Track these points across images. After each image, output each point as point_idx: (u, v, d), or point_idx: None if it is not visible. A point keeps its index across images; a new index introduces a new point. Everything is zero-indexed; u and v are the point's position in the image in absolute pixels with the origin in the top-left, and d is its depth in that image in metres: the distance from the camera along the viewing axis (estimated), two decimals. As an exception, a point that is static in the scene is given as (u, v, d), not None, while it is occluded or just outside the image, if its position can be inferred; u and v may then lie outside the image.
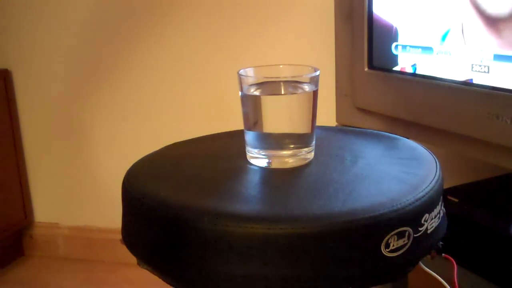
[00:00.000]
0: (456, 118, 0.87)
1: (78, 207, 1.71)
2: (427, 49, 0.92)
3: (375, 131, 0.79)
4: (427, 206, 0.58)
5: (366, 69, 1.04)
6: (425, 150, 0.71)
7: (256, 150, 0.66)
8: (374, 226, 0.53)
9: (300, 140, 0.65)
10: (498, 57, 0.81)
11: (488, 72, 0.83)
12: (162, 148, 0.75)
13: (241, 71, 0.65)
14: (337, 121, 1.14)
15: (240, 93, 0.65)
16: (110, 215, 1.63)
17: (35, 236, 1.76)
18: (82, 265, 1.68)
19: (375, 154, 0.70)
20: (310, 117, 0.65)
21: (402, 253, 0.55)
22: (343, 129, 0.86)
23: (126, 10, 1.52)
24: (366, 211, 0.54)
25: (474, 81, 0.85)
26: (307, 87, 0.65)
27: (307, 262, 0.52)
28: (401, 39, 0.97)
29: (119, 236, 0.65)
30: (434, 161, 0.67)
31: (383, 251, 0.54)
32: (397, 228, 0.54)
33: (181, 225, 0.55)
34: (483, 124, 0.82)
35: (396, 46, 0.98)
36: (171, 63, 1.52)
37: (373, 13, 1.01)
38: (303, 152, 0.66)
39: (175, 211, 0.56)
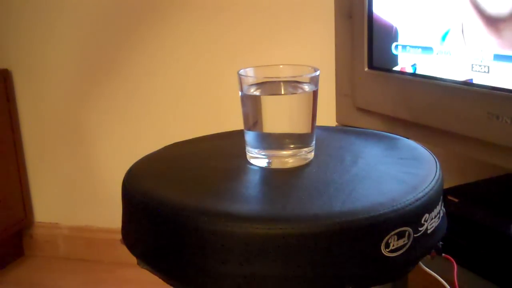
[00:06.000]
0: (456, 118, 0.87)
1: (78, 207, 1.71)
2: (427, 49, 0.92)
3: (375, 131, 0.79)
4: (427, 206, 0.58)
5: (366, 69, 1.04)
6: (425, 150, 0.71)
7: (256, 150, 0.66)
8: (374, 226, 0.53)
9: (300, 140, 0.65)
10: (498, 57, 0.81)
11: (488, 72, 0.83)
12: (162, 148, 0.75)
13: (241, 71, 0.65)
14: (337, 121, 1.14)
15: (240, 93, 0.65)
16: (110, 215, 1.62)
17: (35, 236, 1.75)
18: (82, 265, 1.68)
19: (375, 154, 0.70)
20: (310, 117, 0.65)
21: (402, 253, 0.55)
22: (343, 129, 0.86)
23: (126, 11, 1.52)
24: (366, 211, 0.54)
25: (474, 81, 0.85)
26: (307, 87, 0.64)
27: (307, 262, 0.52)
28: (401, 39, 0.97)
29: (119, 236, 0.65)
30: (434, 161, 0.67)
31: (383, 251, 0.54)
32: (397, 228, 0.54)
33: (181, 225, 0.55)
34: (483, 124, 0.82)
35: (396, 46, 0.98)
36: (171, 63, 1.52)
37: (373, 13, 1.01)
38: (303, 152, 0.66)
39: (175, 211, 0.56)
